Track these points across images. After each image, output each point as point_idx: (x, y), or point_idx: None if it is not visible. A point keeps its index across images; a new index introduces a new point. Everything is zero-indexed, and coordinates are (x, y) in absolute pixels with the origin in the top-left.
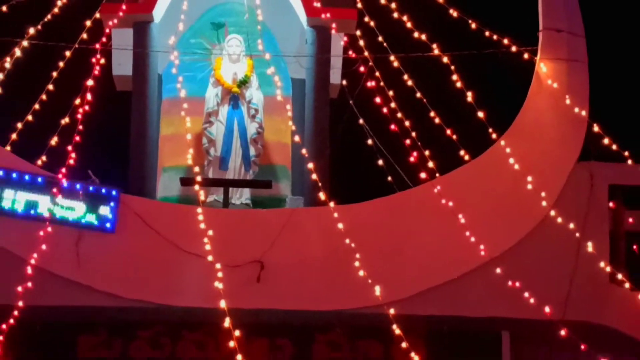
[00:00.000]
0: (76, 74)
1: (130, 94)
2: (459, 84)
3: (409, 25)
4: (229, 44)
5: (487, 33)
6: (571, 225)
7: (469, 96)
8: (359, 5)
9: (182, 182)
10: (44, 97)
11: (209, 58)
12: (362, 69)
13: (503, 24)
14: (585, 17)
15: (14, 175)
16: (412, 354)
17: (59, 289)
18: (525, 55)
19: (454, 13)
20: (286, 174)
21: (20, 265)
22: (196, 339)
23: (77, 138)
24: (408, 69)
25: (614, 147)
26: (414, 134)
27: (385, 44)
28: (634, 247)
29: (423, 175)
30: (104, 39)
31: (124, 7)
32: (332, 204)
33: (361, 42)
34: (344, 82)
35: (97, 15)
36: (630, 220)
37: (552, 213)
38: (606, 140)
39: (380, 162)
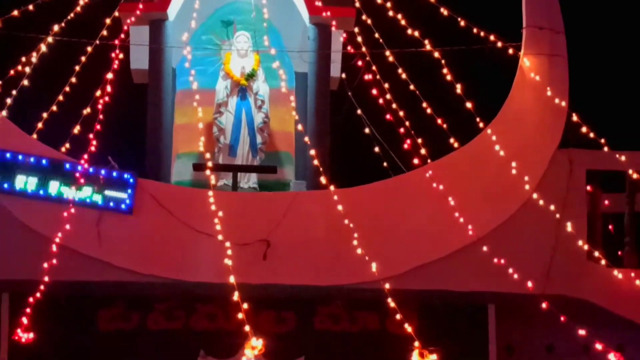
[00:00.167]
0: (97, 68)
1: (146, 86)
2: (448, 77)
3: (403, 23)
4: (238, 40)
5: (474, 30)
6: (552, 207)
7: (458, 88)
8: (357, 4)
9: (195, 167)
10: (67, 89)
11: (219, 53)
12: (359, 63)
13: (490, 22)
14: (565, 15)
15: (32, 159)
16: (406, 325)
17: (81, 266)
18: (510, 51)
19: (444, 12)
20: (290, 160)
21: (45, 243)
22: (208, 312)
23: (98, 127)
24: (402, 63)
25: (592, 135)
26: (407, 123)
27: (381, 40)
28: (610, 227)
29: (416, 161)
30: (122, 36)
31: (140, 6)
32: (332, 188)
33: (359, 39)
34: (343, 75)
35: (116, 13)
36: (606, 202)
37: (535, 196)
38: (584, 129)
39: (377, 149)
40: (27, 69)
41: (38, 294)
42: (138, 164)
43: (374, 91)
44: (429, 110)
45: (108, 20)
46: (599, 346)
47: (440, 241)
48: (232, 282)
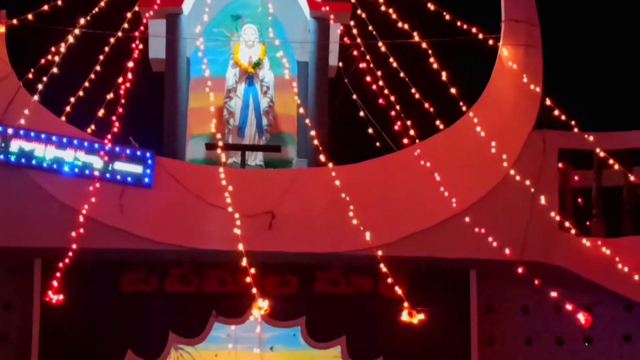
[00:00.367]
0: (119, 58)
1: (163, 74)
2: (435, 66)
3: (394, 17)
4: (245, 32)
5: (458, 23)
6: (527, 182)
7: (443, 75)
8: None
9: (207, 146)
10: (92, 76)
11: (228, 44)
12: (355, 53)
13: (472, 15)
14: (539, 9)
15: (62, 139)
16: (396, 288)
17: (105, 235)
18: (490, 42)
19: (431, 7)
20: (292, 140)
21: (73, 215)
22: (218, 276)
23: (120, 110)
24: (393, 53)
25: (563, 117)
26: (398, 107)
27: (374, 32)
28: (579, 200)
29: (405, 141)
30: (141, 28)
31: (158, 1)
32: (330, 165)
33: (354, 31)
34: (340, 64)
35: (136, 8)
36: (576, 178)
37: (512, 172)
38: (556, 112)
39: (370, 130)
40: (57, 58)
41: (67, 260)
42: (156, 144)
43: (368, 78)
44: (417, 95)
45: (129, 14)
46: (569, 306)
47: (427, 212)
48: (240, 250)
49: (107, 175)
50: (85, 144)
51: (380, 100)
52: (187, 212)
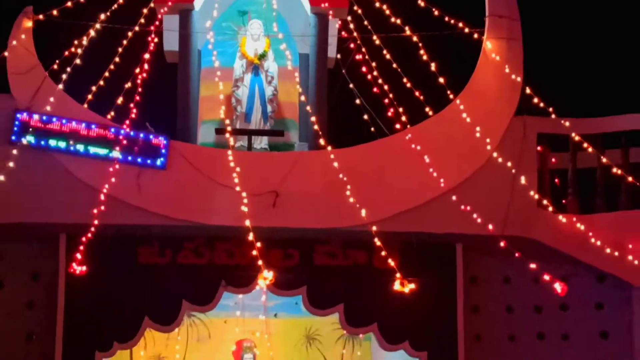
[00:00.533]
0: (136, 50)
1: (177, 65)
2: (425, 57)
3: (387, 12)
4: (252, 26)
5: (446, 18)
6: (509, 164)
7: (433, 66)
8: None
9: (217, 131)
10: (112, 67)
11: (236, 37)
12: (352, 46)
13: (459, 11)
14: (520, 5)
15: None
16: (389, 260)
17: (124, 212)
18: (475, 36)
19: (421, 3)
20: (295, 126)
21: (95, 194)
22: (227, 249)
23: (137, 98)
24: (387, 46)
25: (542, 104)
26: (391, 95)
27: (369, 27)
28: (556, 180)
29: (398, 126)
30: (157, 23)
31: None
32: (329, 148)
33: (351, 25)
34: (338, 56)
35: (152, 4)
36: (553, 160)
37: (495, 155)
38: (535, 100)
39: (366, 116)
40: (79, 51)
41: (89, 235)
42: (170, 129)
43: (364, 69)
44: (408, 85)
45: (145, 11)
46: (546, 277)
47: (418, 191)
48: (247, 225)
49: (126, 157)
50: (106, 129)
51: (375, 89)
52: (199, 191)
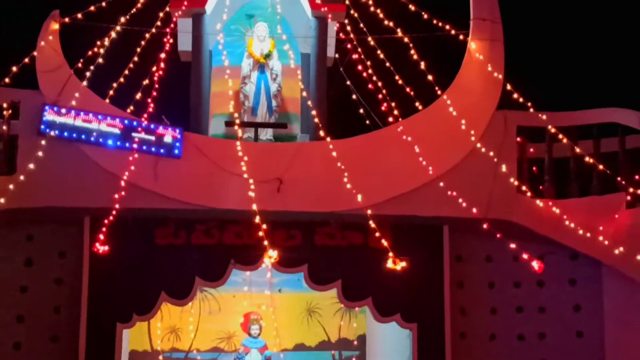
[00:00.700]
0: (153, 50)
1: (190, 64)
2: (415, 57)
3: (381, 16)
4: (258, 28)
5: (434, 21)
6: (491, 154)
7: (422, 65)
8: (347, 1)
9: (226, 124)
10: (131, 65)
11: (244, 39)
12: (349, 46)
13: (446, 15)
14: (502, 9)
15: (106, 118)
16: (383, 241)
17: (143, 197)
18: (461, 37)
19: (412, 7)
20: (297, 119)
21: (116, 180)
22: (236, 230)
23: (154, 94)
24: (381, 46)
25: (521, 100)
26: (384, 91)
27: (365, 29)
28: (534, 168)
29: (390, 119)
30: (172, 25)
31: (185, 2)
32: (328, 139)
33: (348, 28)
34: (337, 56)
35: (167, 9)
36: (531, 150)
37: (478, 145)
38: (515, 95)
39: (361, 110)
40: (101, 51)
41: (111, 217)
42: (184, 122)
43: (359, 67)
44: (400, 82)
45: (161, 14)
46: (525, 256)
47: (408, 178)
48: (254, 209)
49: (144, 147)
50: (126, 121)
51: (370, 86)
52: (210, 178)
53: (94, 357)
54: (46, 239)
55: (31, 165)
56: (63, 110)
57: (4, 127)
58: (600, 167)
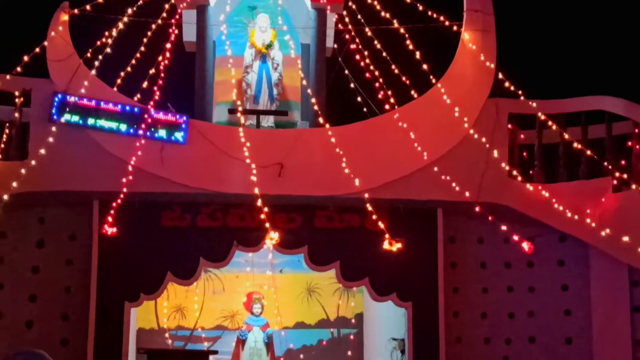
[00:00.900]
0: (159, 40)
1: (194, 54)
2: (410, 47)
3: (378, 7)
4: (260, 19)
5: (429, 12)
6: (483, 140)
7: (417, 54)
8: None
9: (229, 111)
10: (138, 55)
11: (246, 29)
12: (347, 37)
13: (440, 6)
14: (494, 1)
15: (114, 105)
16: (379, 223)
17: (149, 181)
18: (454, 28)
19: None
20: (297, 106)
21: (124, 165)
22: (239, 213)
23: (160, 82)
24: (378, 37)
25: (512, 88)
26: (381, 79)
27: (362, 20)
28: (524, 154)
29: (387, 107)
30: (177, 17)
31: None
32: (327, 126)
33: (346, 19)
34: (335, 46)
35: (172, 0)
36: (522, 136)
37: (471, 132)
38: (507, 84)
39: (359, 98)
40: (109, 41)
41: (119, 201)
42: (189, 109)
43: (357, 57)
44: (396, 71)
45: (167, 6)
46: (515, 238)
47: (404, 163)
48: (256, 193)
49: (151, 133)
50: (134, 109)
51: (367, 75)
52: (214, 163)
53: (103, 334)
54: (57, 221)
55: (42, 151)
56: (73, 98)
57: (17, 115)
58: (588, 152)
